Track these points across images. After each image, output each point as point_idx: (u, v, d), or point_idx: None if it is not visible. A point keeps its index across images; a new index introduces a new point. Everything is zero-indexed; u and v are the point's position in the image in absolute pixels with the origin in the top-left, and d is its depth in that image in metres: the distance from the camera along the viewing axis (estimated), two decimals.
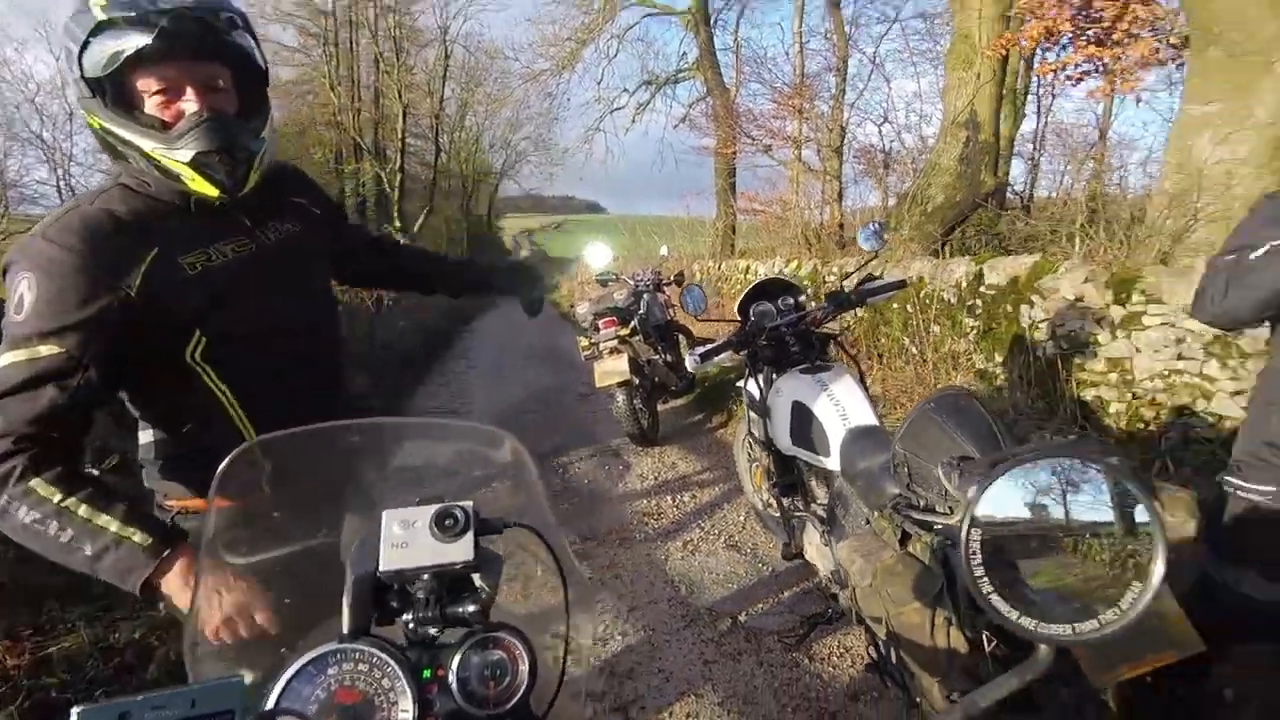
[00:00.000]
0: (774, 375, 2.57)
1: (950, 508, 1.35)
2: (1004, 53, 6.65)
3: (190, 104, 1.06)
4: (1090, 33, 5.38)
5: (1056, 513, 0.62)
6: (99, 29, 0.97)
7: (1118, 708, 1.39)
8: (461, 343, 10.64)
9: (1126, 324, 3.55)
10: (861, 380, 2.42)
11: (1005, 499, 0.64)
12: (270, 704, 0.63)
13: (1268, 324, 1.52)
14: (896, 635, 1.35)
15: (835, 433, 2.13)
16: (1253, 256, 1.41)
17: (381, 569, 0.71)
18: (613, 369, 4.46)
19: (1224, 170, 4.27)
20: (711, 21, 16.44)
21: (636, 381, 4.64)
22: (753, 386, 2.73)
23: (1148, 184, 6.30)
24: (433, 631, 0.73)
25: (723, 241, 13.73)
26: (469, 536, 0.72)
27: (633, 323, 4.83)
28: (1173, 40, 5.19)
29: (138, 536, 1.00)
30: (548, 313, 15.23)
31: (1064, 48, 6.18)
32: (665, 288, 5.64)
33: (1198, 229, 4.32)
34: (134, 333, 1.05)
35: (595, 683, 2.24)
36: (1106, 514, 0.60)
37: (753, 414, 2.83)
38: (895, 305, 5.40)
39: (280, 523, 0.88)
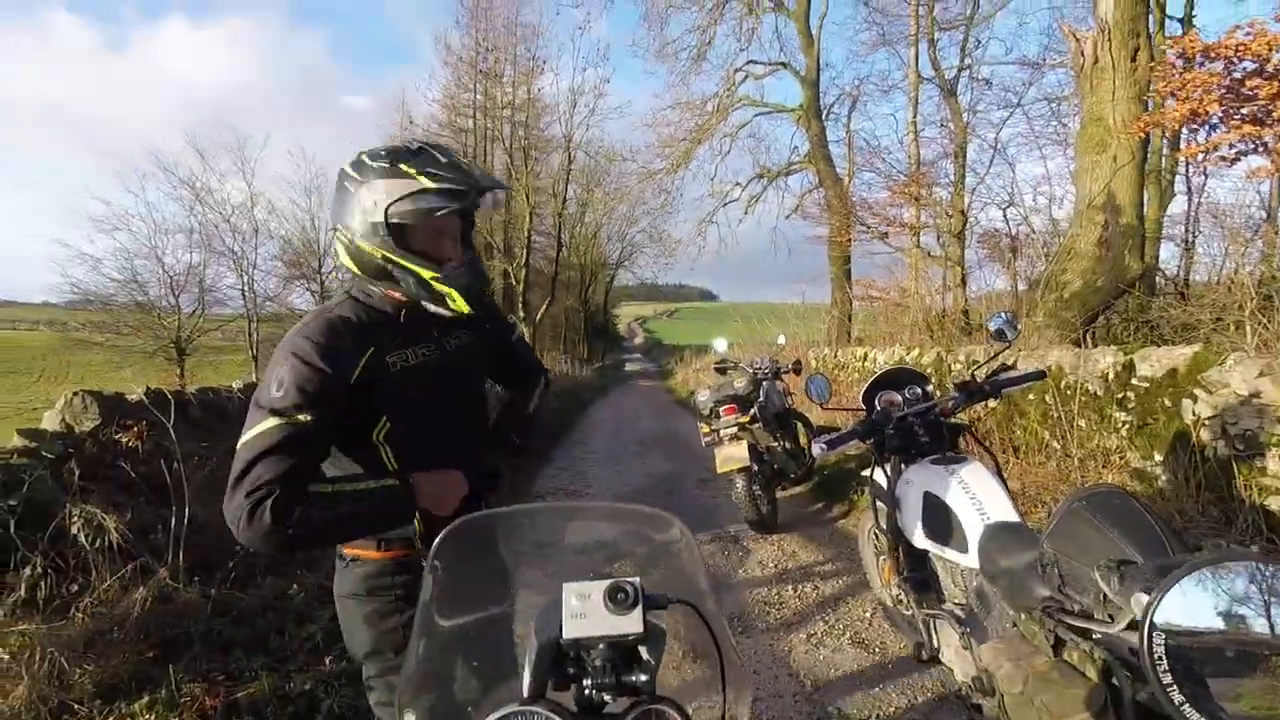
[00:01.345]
0: (902, 465, 2.51)
1: (1111, 615, 1.27)
2: (1143, 135, 6.36)
3: (451, 247, 1.44)
4: (1244, 111, 5.04)
5: (1253, 624, 0.55)
6: (421, 194, 1.31)
7: None
8: (579, 428, 10.95)
9: None
10: (999, 473, 2.32)
11: (1188, 605, 0.57)
12: None
13: None
14: None
15: (973, 528, 2.04)
16: None
17: (565, 636, 0.78)
18: (734, 455, 4.47)
19: None
20: (823, 115, 16.87)
21: (756, 468, 4.62)
22: (880, 476, 2.67)
23: None
24: (607, 698, 0.79)
25: (839, 328, 13.53)
26: (638, 610, 0.78)
27: (752, 410, 4.85)
28: None
29: (388, 481, 1.31)
30: (661, 399, 15.50)
31: (1214, 128, 5.80)
32: (783, 375, 5.64)
33: None
34: (347, 410, 1.32)
35: None
36: None
37: (880, 505, 2.75)
38: (1032, 397, 5.10)
39: (472, 592, 1.00)
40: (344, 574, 1.47)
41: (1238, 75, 5.09)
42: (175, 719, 2.25)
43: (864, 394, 2.78)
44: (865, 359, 9.39)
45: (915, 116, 13.87)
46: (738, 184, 19.11)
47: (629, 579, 0.80)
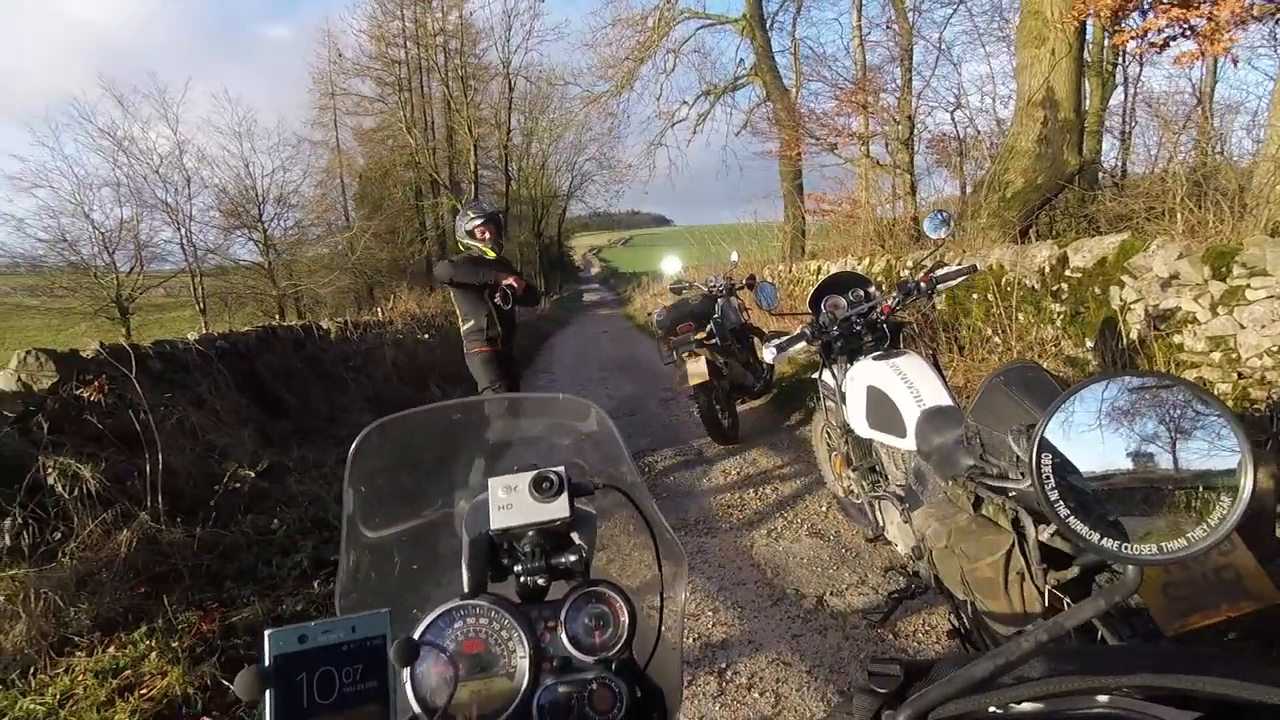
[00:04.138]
0: (848, 364, 2.64)
1: (1022, 472, 1.41)
2: (1079, 24, 6.37)
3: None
4: None
5: (1133, 436, 0.57)
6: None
7: None
8: (542, 359, 11.00)
9: (1228, 300, 3.38)
10: (934, 363, 2.46)
11: (1077, 424, 0.59)
12: (417, 635, 0.74)
13: None
14: (973, 592, 1.42)
15: (910, 414, 2.19)
16: None
17: (492, 528, 0.81)
18: (693, 371, 4.59)
19: None
20: (767, 25, 16.35)
21: (715, 383, 4.74)
22: (828, 376, 2.80)
23: (1255, 150, 5.82)
24: (540, 582, 0.82)
25: (792, 244, 13.61)
26: (564, 497, 0.81)
27: (709, 326, 4.94)
28: None
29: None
30: (620, 325, 15.59)
31: (1145, 12, 5.83)
32: (738, 292, 5.72)
33: None
34: None
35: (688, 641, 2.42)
36: (1185, 433, 0.56)
37: (829, 403, 2.90)
38: (975, 295, 5.29)
39: (405, 498, 1.00)
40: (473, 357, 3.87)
41: None
42: (175, 643, 2.41)
43: (810, 299, 2.88)
44: (818, 272, 9.52)
45: (860, 20, 13.56)
46: (685, 102, 18.56)
47: (554, 468, 0.82)
